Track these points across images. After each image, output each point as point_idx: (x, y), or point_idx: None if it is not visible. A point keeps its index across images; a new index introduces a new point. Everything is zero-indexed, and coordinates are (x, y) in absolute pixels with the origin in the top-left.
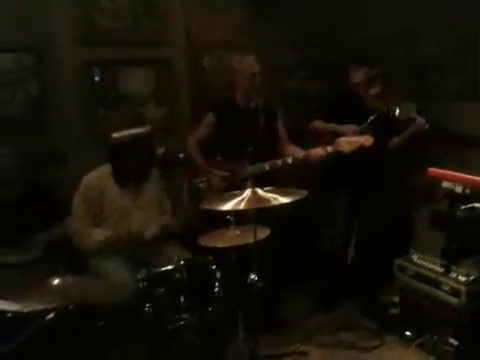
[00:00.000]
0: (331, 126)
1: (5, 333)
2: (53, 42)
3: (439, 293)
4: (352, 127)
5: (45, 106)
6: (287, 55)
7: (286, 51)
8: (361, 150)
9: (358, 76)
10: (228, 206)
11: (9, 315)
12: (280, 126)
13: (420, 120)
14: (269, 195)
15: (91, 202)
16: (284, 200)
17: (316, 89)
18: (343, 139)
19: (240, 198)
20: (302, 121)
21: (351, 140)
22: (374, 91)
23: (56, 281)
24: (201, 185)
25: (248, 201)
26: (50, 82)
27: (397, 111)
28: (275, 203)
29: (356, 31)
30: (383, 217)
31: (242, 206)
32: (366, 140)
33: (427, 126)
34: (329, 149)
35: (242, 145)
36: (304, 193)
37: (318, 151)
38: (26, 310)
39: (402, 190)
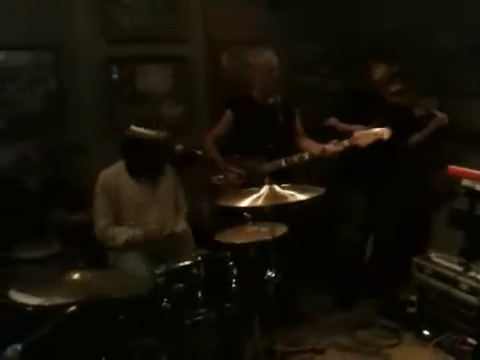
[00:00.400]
0: (343, 126)
1: (26, 327)
2: (72, 39)
3: (457, 292)
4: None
5: (64, 102)
6: (307, 50)
7: (306, 46)
8: (380, 146)
9: (379, 72)
10: (245, 203)
11: (30, 309)
12: (297, 122)
13: (441, 115)
14: (286, 192)
15: (109, 198)
16: (301, 197)
17: (336, 85)
18: (360, 132)
19: (257, 195)
20: (322, 117)
21: (368, 133)
22: (394, 88)
23: (76, 275)
24: (218, 182)
25: (265, 198)
26: (69, 79)
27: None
28: (292, 200)
29: (374, 26)
30: (401, 215)
31: (259, 203)
32: (383, 133)
33: (447, 121)
34: (346, 143)
35: (260, 142)
36: (321, 190)
37: (335, 146)
38: (47, 304)
39: (421, 188)
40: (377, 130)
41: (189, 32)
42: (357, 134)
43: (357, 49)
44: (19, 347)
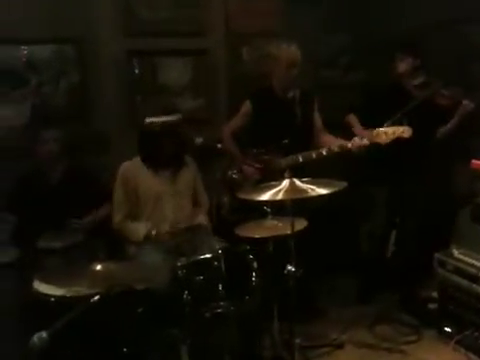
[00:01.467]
0: (358, 128)
1: (48, 317)
2: (94, 33)
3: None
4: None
5: (86, 95)
6: (327, 43)
7: (326, 39)
8: (404, 140)
9: (403, 66)
10: (266, 196)
11: (53, 300)
12: (316, 117)
13: (467, 102)
14: (307, 186)
15: (128, 190)
16: (322, 191)
17: (357, 78)
18: (380, 130)
19: (278, 189)
20: (342, 111)
21: (388, 130)
22: (418, 81)
23: (98, 267)
24: (235, 176)
25: (286, 192)
26: (91, 72)
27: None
28: (313, 194)
29: (398, 19)
30: (424, 210)
31: (280, 197)
32: (404, 131)
33: (472, 106)
34: (365, 141)
35: (278, 136)
36: (343, 184)
37: (354, 143)
38: (69, 295)
39: (445, 183)
40: (398, 128)
41: (209, 25)
42: (378, 131)
43: (381, 42)
44: (45, 334)
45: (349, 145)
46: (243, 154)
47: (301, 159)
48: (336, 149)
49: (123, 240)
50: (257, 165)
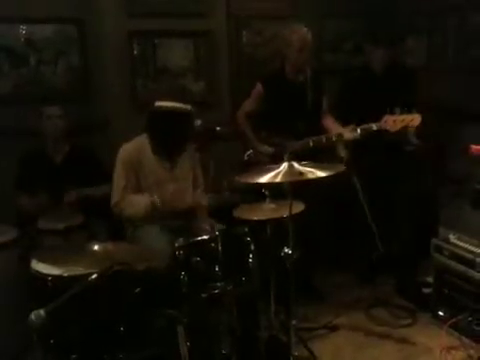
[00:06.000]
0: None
1: (46, 296)
2: (96, 13)
3: (476, 274)
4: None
5: (87, 76)
6: (332, 26)
7: (331, 22)
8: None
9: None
10: (264, 179)
11: (50, 279)
12: (324, 100)
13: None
14: (306, 169)
15: (130, 172)
16: (321, 174)
17: (362, 62)
18: (390, 117)
19: (276, 171)
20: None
21: (398, 119)
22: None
23: (96, 247)
24: (249, 158)
25: (284, 174)
26: (92, 53)
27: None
28: (311, 177)
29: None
30: (421, 195)
31: (278, 179)
32: (414, 119)
33: None
34: (374, 127)
35: (289, 119)
36: (341, 168)
37: (351, 132)
38: (66, 274)
39: (439, 167)
40: (408, 116)
41: (211, 6)
42: (387, 118)
43: (391, 26)
44: (43, 312)
45: (346, 135)
46: (255, 137)
47: (311, 143)
48: (334, 138)
49: (123, 221)
50: (268, 148)
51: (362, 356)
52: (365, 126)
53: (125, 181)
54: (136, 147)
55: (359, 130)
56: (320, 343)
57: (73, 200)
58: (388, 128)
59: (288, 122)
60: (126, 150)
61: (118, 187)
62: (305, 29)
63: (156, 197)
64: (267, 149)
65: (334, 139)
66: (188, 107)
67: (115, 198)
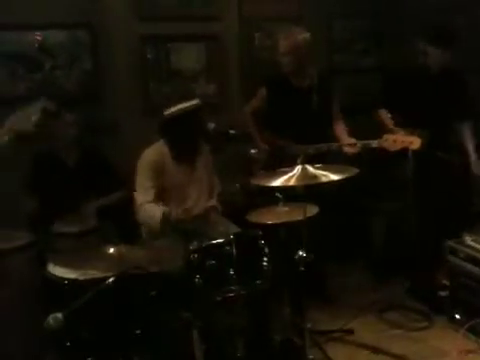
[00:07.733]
0: (389, 123)
1: (62, 300)
2: (108, 17)
3: None
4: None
5: (100, 80)
6: (342, 27)
7: (341, 23)
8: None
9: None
10: (278, 182)
11: (66, 282)
12: (335, 105)
13: None
14: (319, 172)
15: (153, 176)
16: (334, 177)
17: (372, 63)
18: (390, 136)
19: (290, 175)
20: (356, 96)
21: (397, 139)
22: None
23: (111, 250)
24: (253, 155)
25: (298, 178)
26: (104, 57)
27: None
28: (325, 180)
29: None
30: (438, 199)
31: (292, 183)
32: (413, 142)
33: None
34: (373, 145)
35: (292, 123)
36: (355, 171)
37: (352, 147)
38: (82, 278)
39: (463, 170)
40: (408, 138)
41: (222, 10)
42: (387, 137)
43: (398, 27)
44: (60, 315)
45: (347, 149)
46: (259, 136)
47: (312, 151)
48: (336, 149)
49: (139, 224)
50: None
51: (377, 359)
52: (365, 143)
53: (152, 182)
54: (158, 152)
55: (359, 145)
56: (335, 346)
57: (90, 214)
58: (387, 147)
59: (292, 126)
60: (149, 154)
61: (144, 188)
62: (298, 33)
63: (169, 212)
64: (266, 149)
65: (353, 151)
66: (195, 102)
67: (141, 198)
